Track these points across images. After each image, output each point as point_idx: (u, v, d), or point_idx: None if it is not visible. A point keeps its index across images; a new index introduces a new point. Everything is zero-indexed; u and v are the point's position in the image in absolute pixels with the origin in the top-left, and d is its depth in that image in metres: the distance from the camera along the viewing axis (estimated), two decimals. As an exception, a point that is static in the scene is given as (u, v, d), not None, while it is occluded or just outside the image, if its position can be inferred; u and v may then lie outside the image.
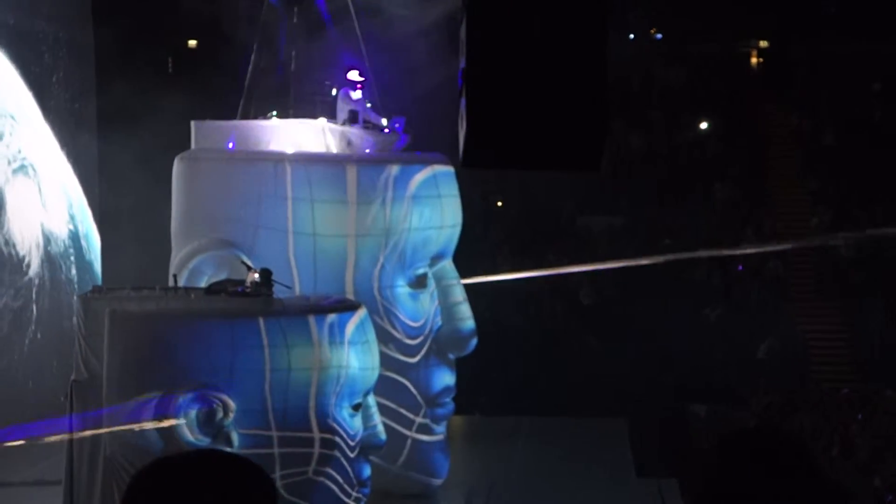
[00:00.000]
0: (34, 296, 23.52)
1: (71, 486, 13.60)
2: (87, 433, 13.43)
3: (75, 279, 24.97)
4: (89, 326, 13.65)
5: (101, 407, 13.25)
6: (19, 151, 23.53)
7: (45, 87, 24.70)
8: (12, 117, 23.41)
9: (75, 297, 14.32)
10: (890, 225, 27.61)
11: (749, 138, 31.57)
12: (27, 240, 23.56)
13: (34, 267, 23.78)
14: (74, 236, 25.48)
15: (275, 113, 17.72)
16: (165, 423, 13.05)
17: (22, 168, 23.66)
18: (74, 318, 14.13)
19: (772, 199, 30.41)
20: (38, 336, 22.91)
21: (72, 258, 25.18)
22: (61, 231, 24.87)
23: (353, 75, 17.99)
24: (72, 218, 25.48)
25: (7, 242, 22.83)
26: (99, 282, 24.48)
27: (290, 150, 17.14)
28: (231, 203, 16.65)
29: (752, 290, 28.28)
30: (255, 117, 17.76)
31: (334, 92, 18.22)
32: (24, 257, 23.43)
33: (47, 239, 24.25)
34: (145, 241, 21.33)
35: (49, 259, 24.25)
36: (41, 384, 21.95)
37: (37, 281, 23.69)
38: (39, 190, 24.23)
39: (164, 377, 13.12)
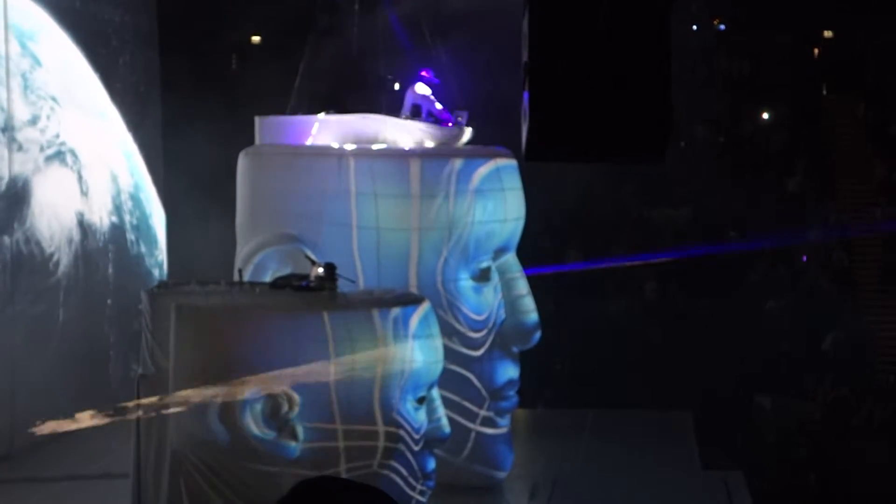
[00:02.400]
0: (61, 299, 21.71)
1: (138, 479, 13.69)
2: (154, 426, 13.51)
3: (111, 278, 23.39)
4: (155, 321, 13.72)
5: (167, 401, 13.32)
6: (57, 136, 21.96)
7: (112, 69, 24.00)
8: (54, 99, 21.96)
9: (142, 293, 14.37)
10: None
11: (814, 129, 31.32)
12: (57, 236, 21.82)
13: (63, 266, 21.99)
14: (120, 229, 24.00)
15: (334, 109, 17.73)
16: (231, 417, 13.10)
17: (58, 154, 22.03)
18: (141, 314, 14.19)
19: (837, 190, 30.15)
20: (65, 346, 20.97)
21: (110, 255, 23.65)
22: (103, 224, 23.37)
23: (426, 79, 17.93)
24: (118, 208, 24.02)
25: (29, 240, 21.03)
26: (151, 277, 24.27)
27: (352, 145, 17.17)
28: (295, 198, 16.70)
29: (817, 282, 28.05)
30: (314, 112, 17.78)
31: (397, 86, 18.23)
32: (51, 255, 21.63)
33: (84, 233, 22.72)
34: (210, 234, 21.39)
35: (85, 256, 22.62)
36: (55, 402, 17.90)
37: (65, 282, 21.96)
38: (80, 178, 22.73)
39: (229, 371, 13.18)
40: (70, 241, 22.27)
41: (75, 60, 23.00)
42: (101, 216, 23.31)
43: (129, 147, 24.65)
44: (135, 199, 24.77)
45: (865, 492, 19.91)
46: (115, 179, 23.99)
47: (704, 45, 31.93)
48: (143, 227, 25.02)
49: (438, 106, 17.81)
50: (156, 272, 25.29)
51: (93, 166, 23.05)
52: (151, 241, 25.41)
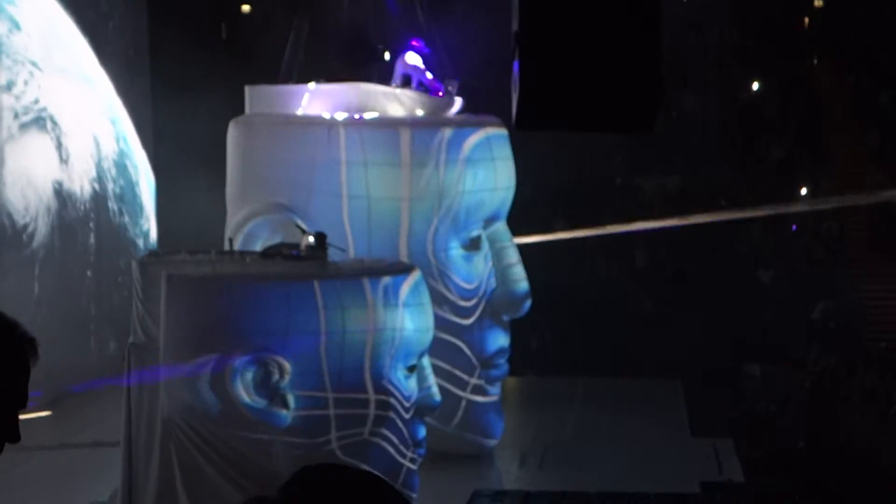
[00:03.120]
0: (36, 272, 20.93)
1: (129, 447, 13.73)
2: (145, 395, 13.54)
3: (92, 249, 22.70)
4: (146, 290, 13.74)
5: (158, 370, 13.35)
6: (35, 102, 21.18)
7: (101, 33, 23.55)
8: (34, 64, 21.16)
9: (132, 262, 14.39)
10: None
11: (804, 97, 31.31)
12: (33, 206, 20.96)
13: (39, 238, 21.08)
14: (102, 197, 23.16)
15: (323, 79, 17.71)
16: (222, 385, 13.13)
17: (37, 121, 21.17)
18: (133, 283, 14.21)
19: (827, 159, 30.15)
20: (39, 320, 19.98)
21: (91, 225, 22.76)
22: (84, 192, 22.54)
23: (417, 48, 17.91)
24: (101, 176, 23.18)
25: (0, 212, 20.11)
26: (135, 247, 23.94)
27: (343, 114, 17.17)
28: (285, 167, 16.72)
29: (807, 251, 28.10)
30: (305, 81, 17.76)
31: (387, 56, 18.22)
32: (25, 227, 20.69)
33: (63, 203, 21.87)
34: (199, 202, 21.28)
35: (63, 227, 21.79)
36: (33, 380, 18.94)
37: (42, 254, 21.18)
38: (59, 145, 21.84)
39: (220, 340, 13.21)
40: (48, 210, 21.49)
41: (61, 24, 22.38)
42: (81, 184, 22.54)
43: (117, 113, 24.07)
44: (119, 166, 24.04)
45: (853, 459, 19.99)
46: (98, 146, 23.29)
47: (695, 15, 31.88)
48: (127, 196, 24.28)
49: (429, 75, 17.81)
50: (140, 242, 24.65)
51: (74, 133, 22.34)
52: (136, 210, 24.68)
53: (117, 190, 23.89)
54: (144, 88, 24.92)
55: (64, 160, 21.96)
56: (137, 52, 24.80)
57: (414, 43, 17.84)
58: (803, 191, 28.89)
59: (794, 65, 31.84)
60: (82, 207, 22.55)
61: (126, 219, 24.22)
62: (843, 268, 27.68)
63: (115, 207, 23.85)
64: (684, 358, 23.71)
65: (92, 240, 22.82)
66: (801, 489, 18.23)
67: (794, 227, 28.47)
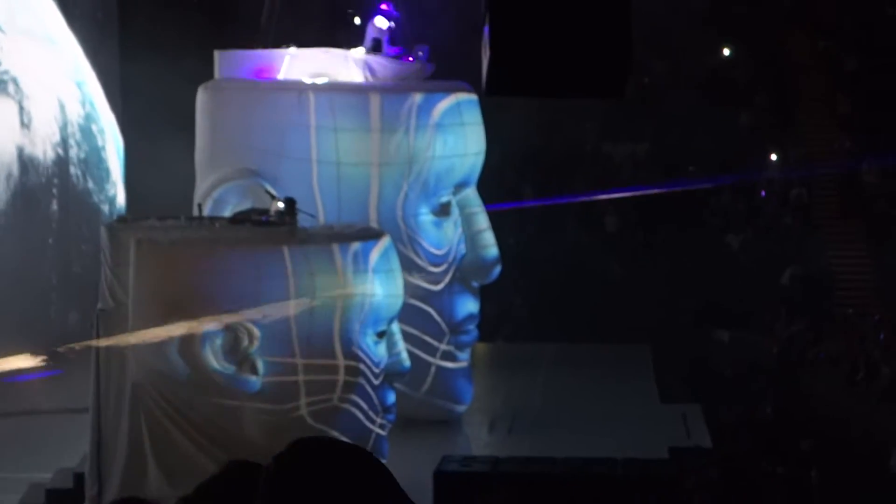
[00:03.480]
0: None
1: (98, 413, 13.70)
2: (113, 361, 13.50)
3: (55, 216, 22.02)
4: (115, 256, 13.69)
5: (127, 336, 13.31)
6: None
7: None
8: None
9: (101, 228, 14.33)
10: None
11: (774, 64, 31.32)
12: None
13: (1, 203, 20.79)
14: (66, 163, 22.52)
15: (293, 43, 17.63)
16: (191, 351, 13.11)
17: None
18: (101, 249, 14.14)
19: (797, 125, 30.20)
20: None
21: (54, 191, 22.10)
22: (47, 158, 21.97)
23: (386, 11, 17.83)
24: (65, 141, 22.50)
25: None
26: (99, 214, 23.29)
27: (313, 79, 17.10)
28: (255, 133, 16.66)
29: (776, 217, 28.17)
30: (276, 46, 17.68)
31: (357, 20, 18.14)
32: None
33: (24, 168, 21.34)
34: (168, 167, 21.09)
35: (25, 193, 21.24)
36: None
37: (2, 220, 20.83)
38: (21, 108, 21.32)
39: (189, 305, 13.18)
40: (8, 176, 21.05)
41: None
42: (44, 149, 21.94)
43: (84, 75, 23.45)
44: (85, 130, 23.42)
45: (820, 424, 20.11)
46: (63, 110, 22.67)
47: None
48: (92, 161, 23.61)
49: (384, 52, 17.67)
50: (106, 208, 24.04)
51: (38, 97, 21.74)
52: (102, 176, 24.03)
53: (82, 155, 23.21)
54: (113, 51, 24.33)
55: (26, 124, 21.41)
56: (106, 14, 24.15)
57: (383, 6, 17.78)
58: (773, 157, 28.94)
59: (765, 31, 31.85)
60: (45, 173, 21.90)
61: (91, 184, 23.49)
62: (812, 235, 27.78)
63: (80, 173, 23.15)
64: (653, 324, 23.76)
65: (55, 206, 22.10)
66: (769, 454, 18.34)
67: (762, 193, 28.52)
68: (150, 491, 13.17)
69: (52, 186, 22.08)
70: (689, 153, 28.64)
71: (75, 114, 22.98)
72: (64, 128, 22.56)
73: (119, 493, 13.32)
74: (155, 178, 22.32)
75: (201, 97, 17.03)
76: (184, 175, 17.53)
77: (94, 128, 23.56)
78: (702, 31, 31.40)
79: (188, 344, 13.12)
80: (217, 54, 17.61)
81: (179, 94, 18.74)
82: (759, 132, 29.83)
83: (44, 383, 17.74)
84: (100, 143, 23.77)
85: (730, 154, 28.38)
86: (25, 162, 21.30)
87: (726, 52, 31.83)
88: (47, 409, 17.85)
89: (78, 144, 23.00)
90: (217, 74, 17.49)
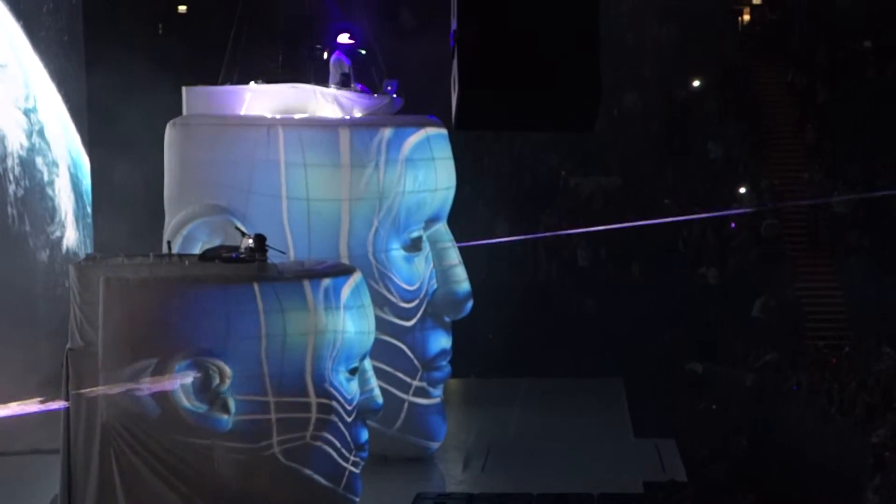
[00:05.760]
0: None
1: (68, 453, 13.63)
2: (83, 400, 13.44)
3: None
4: (84, 295, 13.65)
5: (96, 375, 13.26)
6: None
7: (35, 16, 21.64)
8: None
9: (70, 266, 14.28)
10: (884, 180, 27.57)
11: (743, 95, 31.51)
12: None
13: None
14: (23, 189, 20.25)
15: (262, 80, 17.66)
16: (162, 390, 13.07)
17: None
18: (69, 286, 14.09)
19: (767, 156, 30.36)
20: None
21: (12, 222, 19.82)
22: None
23: (343, 38, 17.95)
24: (19, 166, 20.21)
25: None
26: (33, 260, 21.25)
27: (281, 115, 17.11)
28: (224, 169, 16.65)
29: (747, 249, 28.28)
30: (242, 82, 17.70)
31: (325, 55, 18.18)
32: None
33: None
34: (136, 208, 20.96)
35: None
36: None
37: None
38: None
39: (159, 344, 13.14)
40: None
41: None
42: None
43: (37, 103, 21.42)
44: (27, 164, 21.05)
45: (795, 456, 20.15)
46: (2, 142, 20.47)
47: (634, 12, 31.99)
48: (32, 199, 21.16)
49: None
50: (44, 254, 21.48)
51: None
52: (43, 215, 21.57)
53: (20, 193, 20.87)
54: (80, 75, 23.01)
55: None
56: (72, 37, 22.86)
57: (342, 33, 17.85)
58: (743, 189, 29.07)
59: (733, 63, 32.04)
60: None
61: (28, 227, 21.04)
62: (782, 266, 27.89)
63: (15, 212, 20.72)
64: (626, 357, 23.81)
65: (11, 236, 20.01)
66: (743, 487, 18.36)
67: (732, 224, 28.63)
68: (120, 532, 13.12)
69: (9, 222, 20.06)
70: (660, 185, 28.75)
71: (17, 145, 20.93)
72: (1, 161, 20.44)
73: (89, 535, 13.27)
74: (123, 215, 22.15)
75: (170, 133, 17.03)
76: (152, 212, 17.50)
77: (39, 161, 21.52)
78: (672, 63, 31.57)
79: (158, 383, 13.08)
80: (185, 90, 17.62)
81: (146, 128, 18.69)
82: (729, 163, 29.97)
83: (11, 424, 17.61)
84: (46, 177, 21.79)
85: (701, 186, 28.50)
86: None
87: (697, 83, 32.01)
88: (15, 450, 17.75)
89: (17, 181, 20.83)
90: (185, 110, 17.49)
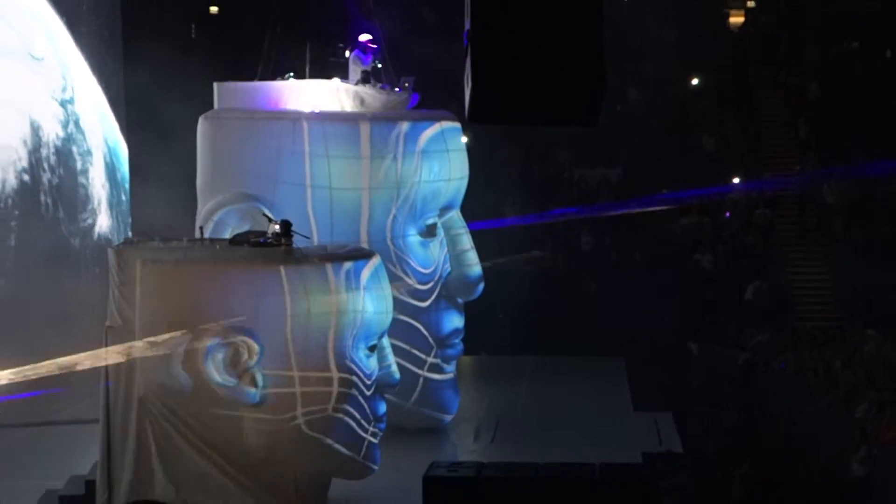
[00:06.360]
0: None
1: (108, 423, 13.70)
2: (122, 375, 13.51)
3: (12, 252, 19.00)
4: (121, 276, 13.70)
5: (134, 350, 13.32)
6: None
7: (76, 13, 21.34)
8: None
9: (108, 249, 14.34)
10: (870, 171, 27.53)
11: (738, 92, 31.46)
12: None
13: None
14: (33, 191, 19.53)
15: (292, 74, 17.70)
16: (195, 365, 13.13)
17: None
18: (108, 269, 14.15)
19: (760, 150, 30.32)
20: None
21: (14, 224, 19.13)
22: (6, 186, 18.91)
23: (365, 38, 17.96)
24: (32, 167, 19.53)
25: None
26: (66, 245, 20.86)
27: (307, 109, 17.15)
28: (252, 159, 16.68)
29: (741, 236, 28.26)
30: (273, 78, 17.74)
31: (347, 54, 18.20)
32: None
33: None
34: (171, 195, 20.94)
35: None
36: None
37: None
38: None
39: (192, 322, 13.19)
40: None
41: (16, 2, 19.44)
42: (4, 177, 19.05)
43: (74, 94, 20.97)
44: (62, 153, 20.60)
45: (783, 429, 20.16)
46: (38, 132, 19.93)
47: (636, 14, 31.94)
48: (66, 187, 20.69)
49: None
50: (76, 241, 21.04)
51: (3, 119, 18.97)
52: (76, 203, 21.14)
53: (55, 181, 20.30)
54: (118, 68, 22.68)
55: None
56: (112, 32, 22.63)
57: (362, 40, 17.87)
58: (737, 180, 29.06)
59: (729, 61, 31.99)
60: (1, 206, 19.04)
61: (61, 213, 20.47)
62: (774, 252, 27.88)
63: (49, 201, 20.20)
64: (627, 337, 23.82)
65: (13, 241, 19.20)
66: (736, 457, 18.39)
67: (727, 213, 28.63)
68: (156, 495, 13.17)
69: (11, 219, 19.24)
70: (660, 177, 28.74)
71: (52, 135, 20.41)
72: (35, 151, 19.92)
73: (128, 498, 13.33)
74: (159, 201, 22.13)
75: (202, 126, 17.06)
76: (185, 198, 17.55)
77: (74, 150, 21.04)
78: (671, 62, 31.55)
79: (191, 359, 13.14)
80: (216, 86, 17.66)
81: (181, 121, 18.71)
82: (725, 157, 29.95)
83: (57, 397, 17.72)
84: (80, 166, 21.29)
85: (697, 177, 28.48)
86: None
87: (695, 81, 31.97)
88: (60, 420, 17.85)
89: (52, 169, 20.34)
90: (216, 105, 17.53)
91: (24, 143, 19.53)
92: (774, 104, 31.47)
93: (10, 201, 19.05)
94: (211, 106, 17.49)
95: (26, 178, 19.53)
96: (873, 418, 19.04)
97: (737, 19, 34.42)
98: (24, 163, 19.51)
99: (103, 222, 21.91)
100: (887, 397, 19.56)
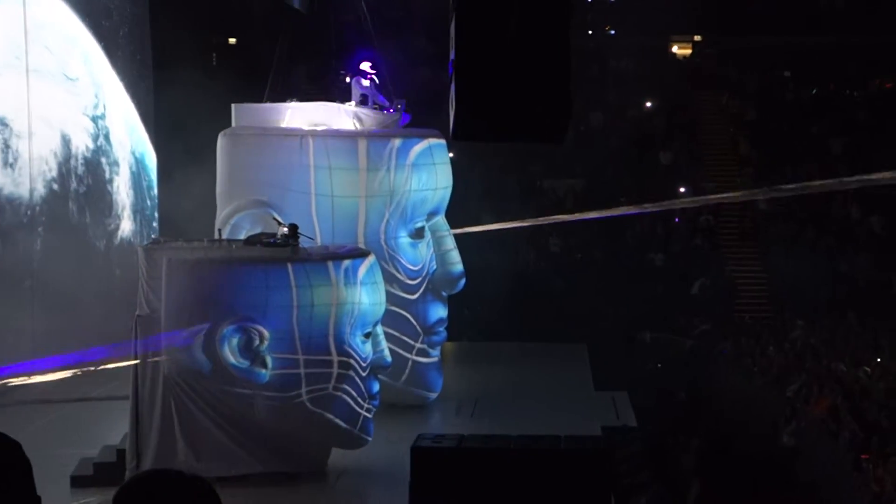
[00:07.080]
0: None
1: (137, 400, 13.65)
2: (149, 357, 13.46)
3: (37, 255, 18.23)
4: (150, 271, 13.66)
5: (160, 337, 13.28)
6: None
7: (113, 39, 21.09)
8: None
9: (138, 248, 14.27)
10: (797, 182, 27.59)
11: (686, 115, 31.53)
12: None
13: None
14: (61, 198, 18.90)
15: (294, 99, 17.63)
16: (213, 349, 13.09)
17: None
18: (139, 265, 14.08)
19: (705, 164, 30.38)
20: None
21: (40, 229, 18.37)
22: (34, 195, 18.26)
23: (365, 66, 17.90)
24: (62, 176, 18.94)
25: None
26: (91, 248, 20.40)
27: (312, 128, 17.10)
28: (265, 171, 16.64)
29: (687, 239, 28.29)
30: (282, 100, 17.69)
31: (347, 79, 18.16)
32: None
33: (1, 208, 17.66)
34: (193, 202, 20.83)
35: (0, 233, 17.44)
36: None
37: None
38: (6, 147, 17.73)
39: (211, 312, 13.17)
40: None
41: (50, 24, 19.01)
42: (33, 187, 18.28)
43: (105, 110, 20.58)
44: (91, 164, 20.02)
45: (724, 405, 20.20)
46: (68, 144, 19.29)
47: (598, 47, 31.98)
48: (94, 194, 20.15)
49: (374, 105, 17.72)
50: (101, 243, 20.38)
51: (37, 133, 18.32)
52: (103, 208, 20.61)
53: (82, 189, 19.63)
54: (149, 87, 22.51)
55: (10, 164, 17.85)
56: (143, 56, 22.43)
57: (362, 68, 17.81)
58: (683, 189, 29.09)
59: (677, 88, 32.04)
60: (28, 212, 18.26)
61: (88, 218, 19.82)
62: (716, 253, 27.91)
63: (75, 207, 19.44)
64: (589, 326, 23.81)
65: (38, 245, 18.41)
66: (683, 431, 18.38)
67: (676, 219, 28.65)
68: (179, 463, 13.12)
69: (37, 225, 18.48)
70: (619, 187, 28.76)
71: (83, 147, 19.79)
72: (65, 162, 19.24)
73: (153, 466, 13.27)
74: (183, 206, 22.03)
75: (221, 142, 17.01)
76: (206, 204, 17.49)
77: (103, 161, 20.40)
78: (628, 89, 31.59)
79: (210, 343, 13.10)
80: (234, 107, 17.62)
81: (204, 137, 18.65)
82: (675, 170, 29.98)
83: (92, 376, 17.63)
84: (107, 175, 20.70)
85: (650, 187, 28.52)
86: (2, 202, 17.73)
87: (648, 105, 32.00)
88: (95, 396, 17.77)
89: (79, 179, 19.67)
90: (234, 123, 17.48)
91: (55, 154, 19.07)
92: (718, 125, 31.54)
93: (37, 209, 18.45)
94: (229, 124, 17.43)
95: (55, 186, 18.96)
96: (802, 396, 19.07)
97: (684, 51, 34.48)
98: (54, 173, 18.97)
99: (126, 227, 21.44)
100: (813, 378, 19.60)
